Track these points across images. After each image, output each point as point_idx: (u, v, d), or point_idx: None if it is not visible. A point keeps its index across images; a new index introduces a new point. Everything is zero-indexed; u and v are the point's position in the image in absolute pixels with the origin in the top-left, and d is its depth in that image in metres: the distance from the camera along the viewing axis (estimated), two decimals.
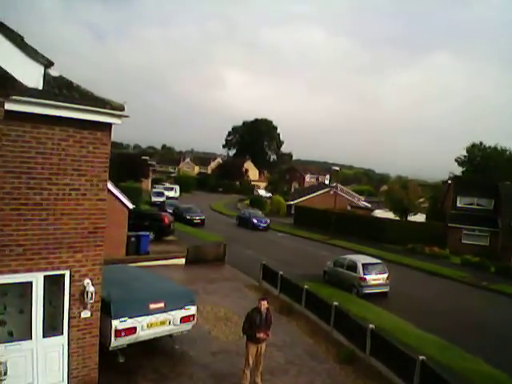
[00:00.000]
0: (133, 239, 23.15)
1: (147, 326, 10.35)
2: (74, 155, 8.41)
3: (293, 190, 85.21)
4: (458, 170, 54.76)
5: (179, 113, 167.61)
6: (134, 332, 10.08)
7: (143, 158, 64.92)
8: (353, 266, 19.94)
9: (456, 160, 56.00)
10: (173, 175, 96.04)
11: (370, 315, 15.74)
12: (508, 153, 54.71)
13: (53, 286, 8.40)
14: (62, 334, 8.51)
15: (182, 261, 22.27)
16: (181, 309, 10.97)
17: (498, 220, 34.82)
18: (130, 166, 54.98)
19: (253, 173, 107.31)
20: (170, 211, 39.18)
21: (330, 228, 36.94)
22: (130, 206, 23.17)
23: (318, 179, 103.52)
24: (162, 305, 10.64)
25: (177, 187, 68.27)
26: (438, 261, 30.22)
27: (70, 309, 8.49)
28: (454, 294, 22.41)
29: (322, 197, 52.60)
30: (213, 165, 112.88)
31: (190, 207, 42.25)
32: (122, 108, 8.46)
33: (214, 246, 24.31)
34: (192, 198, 65.70)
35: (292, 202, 54.06)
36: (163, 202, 49.13)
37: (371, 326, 11.67)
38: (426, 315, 17.28)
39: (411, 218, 38.64)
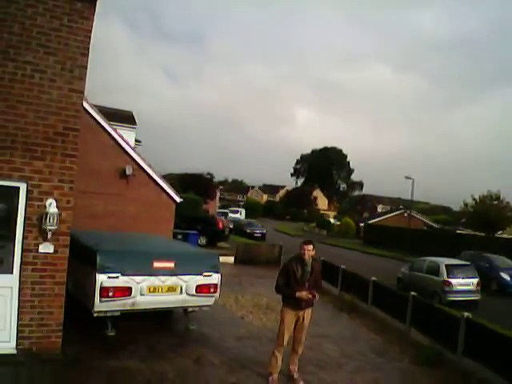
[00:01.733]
0: (179, 237, 20.82)
1: (149, 291, 7.63)
2: (41, 26, 6.11)
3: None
4: None
5: (250, 148, 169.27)
6: (129, 294, 7.41)
7: (208, 175, 63.34)
8: (434, 268, 16.03)
9: None
10: (241, 203, 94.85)
11: None
12: None
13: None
14: (12, 272, 6.00)
15: (231, 259, 19.50)
16: (198, 274, 8.18)
17: None
18: (194, 184, 53.59)
19: (322, 201, 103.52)
20: (231, 226, 37.08)
21: (405, 245, 32.62)
22: (178, 199, 20.94)
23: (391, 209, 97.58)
24: (171, 265, 7.94)
25: (242, 210, 66.32)
26: None
27: (23, 238, 6.00)
28: None
29: (395, 218, 48.12)
30: (281, 193, 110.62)
31: (250, 221, 39.86)
32: None
33: (268, 246, 21.37)
34: (257, 223, 63.38)
35: (362, 224, 49.94)
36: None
37: (466, 314, 8.14)
38: None
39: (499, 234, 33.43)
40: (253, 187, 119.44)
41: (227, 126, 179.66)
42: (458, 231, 38.06)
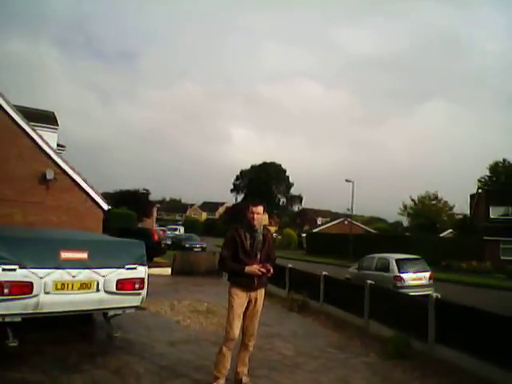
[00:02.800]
0: None
1: (55, 287, 5.99)
2: None
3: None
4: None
5: (187, 167, 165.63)
6: (29, 292, 5.74)
7: (144, 191, 60.52)
8: (385, 265, 15.24)
9: (479, 180, 51.26)
10: (179, 222, 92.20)
11: None
12: None
13: None
14: None
15: (168, 270, 17.79)
16: (119, 267, 6.63)
17: None
18: (129, 200, 50.83)
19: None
20: (169, 242, 35.24)
21: (348, 250, 32.20)
22: (106, 206, 19.01)
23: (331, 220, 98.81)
24: (83, 255, 6.35)
25: (181, 228, 64.07)
26: (481, 275, 25.50)
27: None
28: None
29: (336, 227, 48.25)
30: (221, 210, 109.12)
31: (190, 235, 38.18)
32: None
33: (208, 254, 19.85)
34: (197, 237, 61.24)
35: (304, 234, 49.50)
36: None
37: (435, 294, 7.17)
38: None
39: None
40: (192, 205, 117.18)
41: (161, 145, 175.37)
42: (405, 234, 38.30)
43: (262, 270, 4.86)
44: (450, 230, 36.00)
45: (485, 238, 31.08)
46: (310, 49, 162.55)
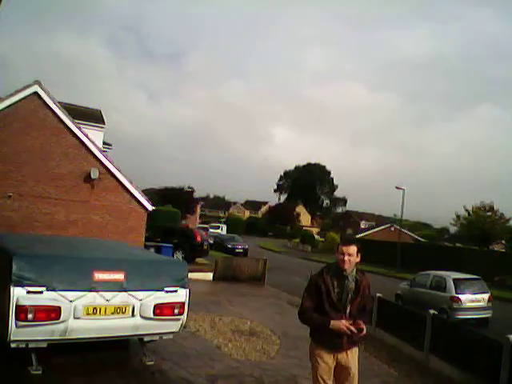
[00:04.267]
0: (151, 250, 18.52)
1: (86, 312, 5.46)
2: None
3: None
4: None
5: (231, 165, 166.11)
6: (57, 317, 5.23)
7: (189, 189, 60.67)
8: (440, 284, 14.11)
9: None
10: (222, 219, 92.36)
11: None
12: None
13: None
14: None
15: (209, 275, 17.26)
16: (158, 290, 6.04)
17: None
18: (173, 198, 51.01)
19: (305, 218, 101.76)
20: (211, 242, 34.89)
21: (396, 260, 30.75)
22: (150, 207, 18.72)
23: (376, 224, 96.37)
24: (119, 276, 5.78)
25: (223, 226, 63.85)
26: None
27: None
28: None
29: (382, 233, 46.57)
30: (263, 209, 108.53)
31: (232, 236, 37.69)
32: None
33: (251, 260, 19.17)
34: (239, 238, 60.85)
35: None
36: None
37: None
38: None
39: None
40: (235, 203, 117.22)
41: (206, 143, 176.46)
42: (456, 244, 36.33)
43: (352, 328, 3.81)
44: (502, 241, 33.83)
45: None
46: (355, 50, 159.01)
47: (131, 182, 17.40)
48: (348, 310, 3.96)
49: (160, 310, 5.95)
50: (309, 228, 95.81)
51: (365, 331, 3.87)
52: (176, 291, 6.18)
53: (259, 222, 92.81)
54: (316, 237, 77.68)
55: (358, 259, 4.05)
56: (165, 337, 6.28)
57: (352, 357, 4.04)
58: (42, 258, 5.55)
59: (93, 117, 19.33)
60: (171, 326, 6.20)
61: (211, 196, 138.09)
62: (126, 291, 5.75)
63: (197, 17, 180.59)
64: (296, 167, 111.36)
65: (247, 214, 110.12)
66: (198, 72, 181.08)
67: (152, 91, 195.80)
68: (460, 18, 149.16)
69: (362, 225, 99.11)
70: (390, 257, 33.00)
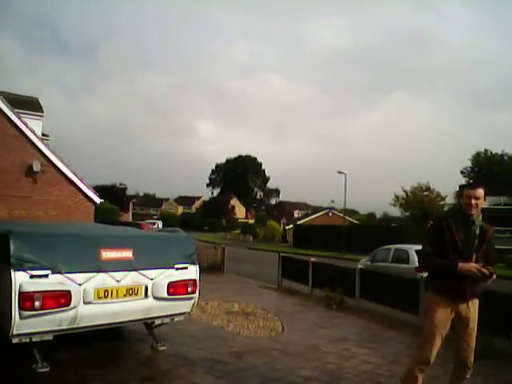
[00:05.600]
0: None
1: (97, 296, 4.81)
2: None
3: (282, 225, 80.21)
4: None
5: (157, 163, 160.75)
6: (67, 303, 4.55)
7: (121, 185, 58.54)
8: (403, 256, 14.42)
9: (462, 172, 51.52)
10: (155, 217, 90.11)
11: None
12: None
13: None
14: None
15: None
16: (169, 267, 5.50)
17: None
18: (107, 195, 48.71)
19: (240, 210, 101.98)
20: None
21: (339, 242, 31.46)
22: (98, 200, 17.63)
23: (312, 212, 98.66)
24: (128, 254, 5.18)
25: (159, 222, 62.28)
26: None
27: None
28: None
29: (320, 219, 47.56)
30: (197, 204, 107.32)
31: (175, 229, 36.60)
32: None
33: (210, 249, 18.56)
34: (182, 231, 59.52)
35: (288, 227, 48.67)
36: None
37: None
38: None
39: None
40: (167, 200, 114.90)
41: (129, 140, 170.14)
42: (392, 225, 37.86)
43: (483, 270, 3.52)
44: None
45: None
46: (277, 43, 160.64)
47: (75, 174, 16.25)
48: (474, 258, 3.68)
49: (174, 288, 5.41)
50: (244, 220, 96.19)
51: (494, 276, 3.60)
52: (187, 268, 5.68)
53: (193, 217, 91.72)
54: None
55: (485, 202, 3.81)
56: (176, 318, 5.75)
57: (474, 309, 3.78)
58: (43, 237, 4.84)
59: (30, 105, 17.75)
60: (184, 305, 5.68)
61: (141, 194, 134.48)
62: (136, 270, 5.16)
63: (112, 9, 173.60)
64: (227, 160, 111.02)
65: (180, 209, 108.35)
66: (116, 66, 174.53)
67: (68, 87, 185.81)
68: (374, 8, 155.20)
69: (296, 214, 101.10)
70: (331, 240, 33.69)
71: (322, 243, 34.87)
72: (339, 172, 31.87)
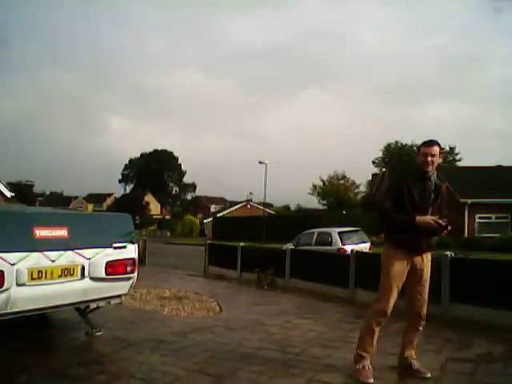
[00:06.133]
0: None
1: (30, 277, 4.42)
2: None
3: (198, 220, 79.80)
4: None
5: (65, 160, 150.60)
6: (0, 285, 4.15)
7: (27, 183, 54.81)
8: (326, 238, 15.02)
9: (373, 162, 54.54)
10: None
11: None
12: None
13: None
14: None
15: None
16: (107, 246, 5.20)
17: None
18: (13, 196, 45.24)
19: (154, 206, 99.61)
20: None
21: (260, 232, 31.98)
22: (9, 194, 16.34)
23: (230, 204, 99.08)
24: (62, 233, 4.82)
25: None
26: None
27: None
28: None
29: (239, 211, 48.00)
30: (108, 201, 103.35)
31: None
32: None
33: None
34: None
35: (207, 220, 48.54)
36: None
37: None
38: None
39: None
40: (76, 198, 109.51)
41: (33, 137, 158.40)
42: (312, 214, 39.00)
43: (439, 221, 3.72)
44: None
45: None
46: (193, 39, 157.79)
47: None
48: (430, 212, 3.87)
49: (112, 268, 5.11)
50: (159, 216, 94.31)
51: (450, 228, 3.78)
52: (125, 247, 5.38)
53: None
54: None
55: (441, 160, 3.96)
56: (113, 301, 5.44)
57: (427, 261, 3.98)
58: None
59: None
60: (122, 287, 5.40)
61: (47, 192, 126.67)
62: (71, 249, 4.81)
63: (21, 3, 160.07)
64: (142, 155, 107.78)
65: (90, 207, 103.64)
66: (24, 61, 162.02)
67: None
68: (291, 6, 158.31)
69: (212, 208, 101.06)
70: (251, 230, 34.11)
71: (243, 234, 35.09)
72: (260, 162, 32.27)
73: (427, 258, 4.00)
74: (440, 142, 3.97)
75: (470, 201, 26.56)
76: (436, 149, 3.89)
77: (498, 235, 23.93)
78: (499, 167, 33.04)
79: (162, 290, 8.99)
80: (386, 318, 3.91)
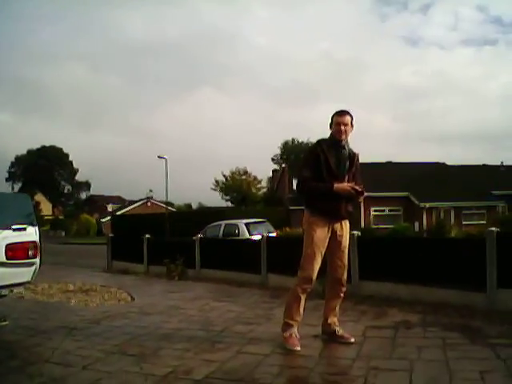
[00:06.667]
0: None
1: None
2: None
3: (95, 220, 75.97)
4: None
5: None
6: None
7: None
8: (233, 230, 15.08)
9: (272, 159, 56.09)
10: None
11: None
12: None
13: None
14: None
15: None
16: (5, 228, 4.68)
17: None
18: None
19: (46, 206, 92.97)
20: None
21: (163, 229, 31.23)
22: None
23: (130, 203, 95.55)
24: None
25: None
26: None
27: None
28: None
29: (139, 209, 46.52)
30: None
31: None
32: None
33: None
34: None
35: (105, 219, 46.40)
36: None
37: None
38: None
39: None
40: None
41: None
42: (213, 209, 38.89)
43: (356, 187, 3.86)
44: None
45: (290, 207, 33.81)
46: (83, 32, 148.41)
47: None
48: (346, 179, 3.97)
49: (13, 251, 4.62)
50: (51, 217, 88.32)
51: (365, 194, 3.94)
52: (25, 229, 4.90)
53: None
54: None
55: (353, 129, 4.03)
56: (15, 290, 4.91)
57: (346, 228, 4.08)
58: None
59: None
60: (24, 273, 4.88)
61: None
62: None
63: None
64: (29, 151, 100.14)
65: None
66: None
67: None
68: (182, 4, 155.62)
69: (109, 208, 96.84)
70: (154, 227, 33.20)
71: (145, 232, 33.96)
72: (159, 157, 31.48)
73: (346, 225, 4.11)
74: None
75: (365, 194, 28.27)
76: (348, 118, 4.00)
77: (391, 226, 25.74)
78: (390, 163, 35.62)
79: (66, 284, 8.38)
80: (311, 285, 3.95)
